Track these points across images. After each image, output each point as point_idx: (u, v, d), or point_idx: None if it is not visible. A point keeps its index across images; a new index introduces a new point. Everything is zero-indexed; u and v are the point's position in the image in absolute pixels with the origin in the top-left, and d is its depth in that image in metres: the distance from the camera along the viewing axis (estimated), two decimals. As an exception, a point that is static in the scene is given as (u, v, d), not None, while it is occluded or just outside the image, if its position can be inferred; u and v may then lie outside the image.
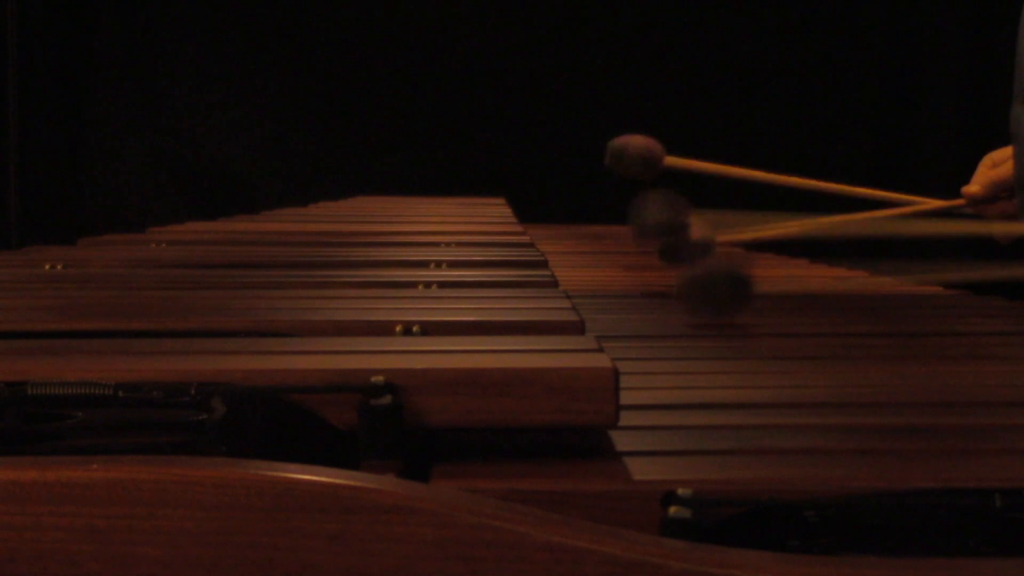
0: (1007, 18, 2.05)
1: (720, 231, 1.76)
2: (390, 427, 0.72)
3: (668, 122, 3.76)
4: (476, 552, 0.57)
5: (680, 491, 0.66)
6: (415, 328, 0.97)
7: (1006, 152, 1.95)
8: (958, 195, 2.00)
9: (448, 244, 1.79)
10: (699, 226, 1.63)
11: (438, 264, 1.49)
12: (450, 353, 0.83)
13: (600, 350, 0.79)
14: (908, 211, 2.04)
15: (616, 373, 0.73)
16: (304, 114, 3.89)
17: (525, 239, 1.92)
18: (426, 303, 1.20)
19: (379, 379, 0.72)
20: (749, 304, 1.36)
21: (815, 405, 0.95)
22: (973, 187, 1.97)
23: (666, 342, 1.29)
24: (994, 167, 1.96)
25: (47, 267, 1.47)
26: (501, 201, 2.72)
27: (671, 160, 1.71)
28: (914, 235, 1.77)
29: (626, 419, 0.74)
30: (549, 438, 0.75)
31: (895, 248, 1.79)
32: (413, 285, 1.29)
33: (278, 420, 0.72)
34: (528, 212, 2.48)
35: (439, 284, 1.29)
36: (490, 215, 2.48)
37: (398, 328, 0.97)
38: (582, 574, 0.57)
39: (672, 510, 0.65)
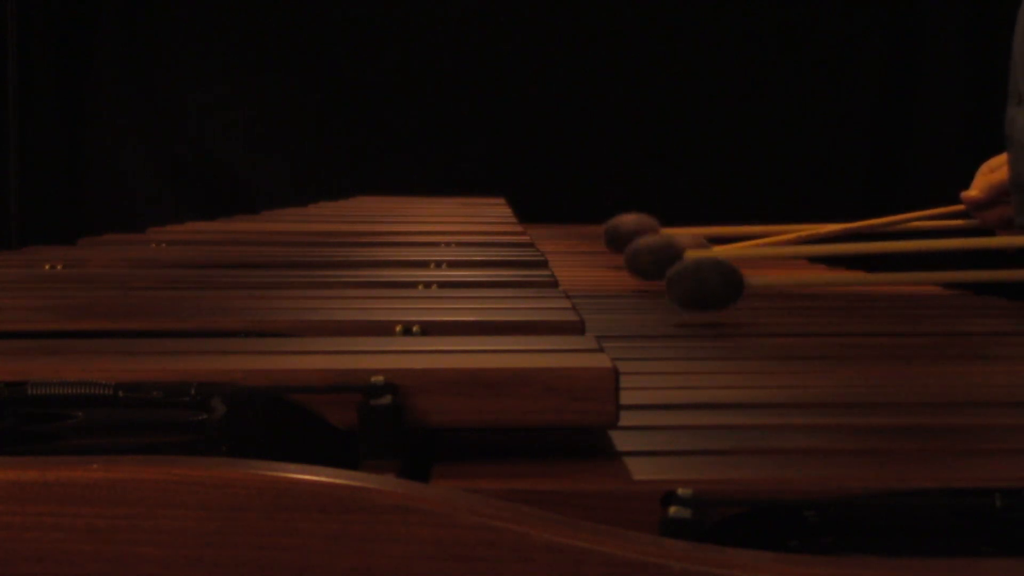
0: (1007, 20, 2.05)
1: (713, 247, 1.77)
2: (390, 427, 0.72)
3: (667, 121, 3.76)
4: (476, 552, 0.57)
5: (680, 491, 0.66)
6: (415, 328, 0.97)
7: (1002, 160, 1.95)
8: (957, 200, 2.00)
9: (448, 244, 1.79)
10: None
11: (438, 264, 1.49)
12: (450, 353, 0.83)
13: (600, 350, 0.79)
14: (908, 218, 2.03)
15: (616, 373, 0.73)
16: (304, 114, 3.89)
17: (525, 239, 1.92)
18: (426, 303, 1.20)
19: (379, 379, 0.72)
20: (737, 298, 1.37)
21: (815, 405, 0.95)
22: (973, 192, 1.97)
23: (666, 342, 1.29)
24: (992, 172, 1.96)
25: (47, 267, 1.47)
26: (501, 201, 2.72)
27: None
28: (918, 251, 1.76)
29: (626, 419, 0.74)
30: (549, 438, 0.75)
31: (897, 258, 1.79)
32: (413, 285, 1.29)
33: (278, 420, 0.72)
34: (528, 212, 2.48)
35: (439, 284, 1.29)
36: (490, 215, 2.48)
37: (398, 328, 0.97)
38: (582, 574, 0.57)
39: (672, 510, 0.65)
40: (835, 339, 1.30)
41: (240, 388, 0.72)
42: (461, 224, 2.22)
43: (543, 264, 1.53)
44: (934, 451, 0.79)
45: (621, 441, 0.76)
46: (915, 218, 2.03)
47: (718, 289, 1.36)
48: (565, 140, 3.80)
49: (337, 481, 0.58)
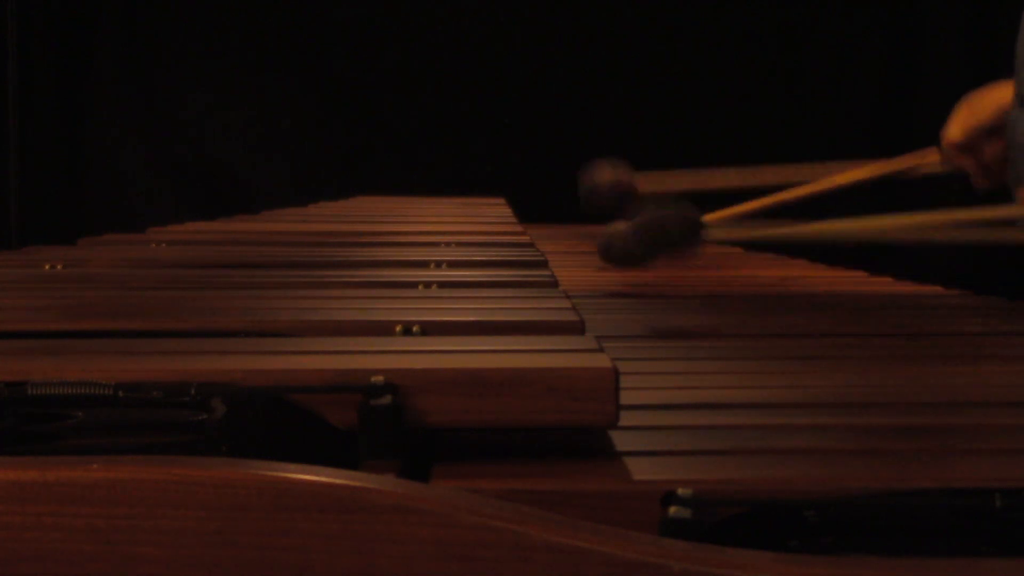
0: (1007, 20, 2.05)
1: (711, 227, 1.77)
2: (390, 427, 0.72)
3: (668, 122, 3.76)
4: (476, 552, 0.57)
5: (680, 491, 0.66)
6: (415, 328, 0.97)
7: (983, 99, 1.92)
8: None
9: (448, 244, 1.79)
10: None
11: (438, 264, 1.49)
12: (450, 353, 0.83)
13: (600, 350, 0.79)
14: (885, 169, 2.02)
15: (616, 373, 0.73)
16: (304, 114, 3.89)
17: (525, 239, 1.91)
18: (426, 303, 1.20)
19: (379, 379, 0.72)
20: (698, 242, 1.36)
21: (815, 405, 0.95)
22: (954, 131, 1.93)
23: (666, 342, 1.29)
24: (973, 115, 1.94)
25: (47, 267, 1.47)
26: (501, 201, 2.72)
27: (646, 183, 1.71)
28: (918, 240, 1.75)
29: (626, 419, 0.74)
30: (549, 438, 0.75)
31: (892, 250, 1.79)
32: (413, 285, 1.29)
33: (278, 420, 0.72)
34: (528, 212, 2.47)
35: (439, 284, 1.29)
36: (490, 215, 2.48)
37: (398, 328, 0.97)
38: (582, 574, 0.57)
39: (672, 510, 0.65)
40: (835, 339, 1.30)
41: (240, 388, 0.72)
42: (461, 224, 2.22)
43: (543, 264, 1.53)
44: (934, 451, 0.79)
45: (621, 441, 0.76)
46: (888, 171, 2.01)
47: (676, 227, 1.35)
48: (565, 140, 3.79)
49: (337, 481, 0.58)
